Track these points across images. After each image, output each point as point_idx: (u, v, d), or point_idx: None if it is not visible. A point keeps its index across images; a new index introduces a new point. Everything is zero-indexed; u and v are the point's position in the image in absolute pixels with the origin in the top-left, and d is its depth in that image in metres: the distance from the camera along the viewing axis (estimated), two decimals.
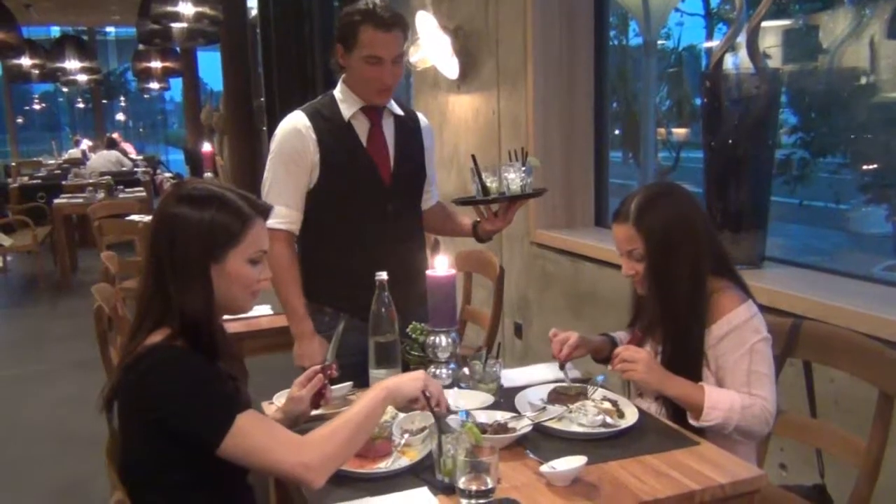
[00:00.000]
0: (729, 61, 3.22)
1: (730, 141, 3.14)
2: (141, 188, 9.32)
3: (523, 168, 2.40)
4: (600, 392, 2.04)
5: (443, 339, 2.10)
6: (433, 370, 2.12)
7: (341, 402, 2.08)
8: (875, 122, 4.31)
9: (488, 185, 2.40)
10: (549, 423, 1.85)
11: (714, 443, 1.86)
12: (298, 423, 1.93)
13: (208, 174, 6.67)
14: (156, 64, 11.81)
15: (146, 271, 1.62)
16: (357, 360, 2.07)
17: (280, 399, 2.07)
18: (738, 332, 1.93)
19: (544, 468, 1.63)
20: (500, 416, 1.89)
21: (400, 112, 2.59)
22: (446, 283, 2.09)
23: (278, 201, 2.38)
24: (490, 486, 1.54)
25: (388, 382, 1.70)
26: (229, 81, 9.64)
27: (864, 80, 4.40)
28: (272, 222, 2.63)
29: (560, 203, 4.37)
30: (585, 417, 1.87)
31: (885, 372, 1.99)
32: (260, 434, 1.51)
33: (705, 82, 3.20)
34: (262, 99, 8.92)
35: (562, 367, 2.13)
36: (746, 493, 1.64)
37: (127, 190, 9.04)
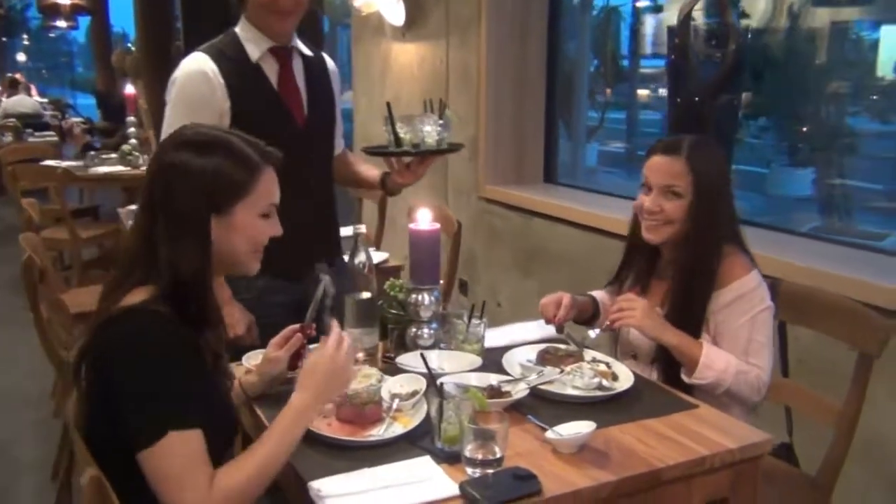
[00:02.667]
0: (696, 17, 3.17)
1: (696, 98, 3.09)
2: (51, 132, 8.74)
3: (440, 121, 2.23)
4: (590, 353, 1.97)
5: (425, 298, 1.98)
6: (414, 330, 2.00)
7: None
8: (807, 87, 4.35)
9: (402, 136, 2.23)
10: (544, 387, 1.77)
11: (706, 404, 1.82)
12: (274, 385, 1.79)
13: (131, 118, 6.23)
14: (64, 0, 11.05)
15: (136, 226, 1.44)
16: (277, 321, 1.91)
17: (250, 360, 1.92)
18: (744, 300, 1.89)
19: (550, 434, 1.55)
20: (494, 379, 1.79)
21: (308, 52, 2.40)
22: (429, 239, 1.96)
23: None
24: (499, 455, 1.44)
25: (298, 403, 1.46)
26: (144, 22, 9.08)
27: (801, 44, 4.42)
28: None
29: (510, 158, 4.27)
30: (581, 380, 1.79)
31: (865, 333, 1.99)
32: (180, 463, 1.29)
33: (673, 38, 3.14)
34: (180, 43, 8.45)
35: (560, 331, 2.05)
36: (753, 458, 1.60)
37: (37, 134, 8.48)
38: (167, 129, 2.23)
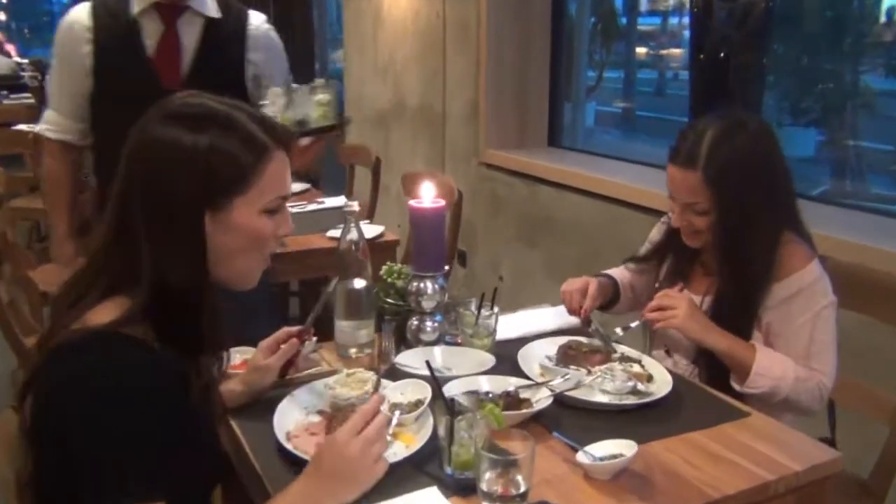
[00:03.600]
0: None
1: (721, 55, 2.80)
2: (28, 94, 8.35)
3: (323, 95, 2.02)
4: (619, 348, 1.71)
5: (428, 286, 1.70)
6: (415, 322, 1.73)
7: (308, 364, 1.68)
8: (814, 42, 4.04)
9: (282, 114, 1.96)
10: (569, 392, 1.51)
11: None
12: (261, 395, 1.53)
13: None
14: None
15: (109, 219, 1.13)
16: None
17: (238, 356, 1.66)
18: (805, 295, 1.62)
19: (583, 458, 1.29)
20: (511, 383, 1.53)
21: (215, 14, 2.12)
22: (434, 217, 1.68)
23: (51, 106, 2.20)
24: (523, 488, 1.18)
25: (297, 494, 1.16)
26: None
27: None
28: (41, 128, 2.20)
29: (512, 120, 3.98)
30: (612, 383, 1.54)
31: None
32: None
33: None
34: None
35: (587, 324, 1.78)
36: (821, 480, 1.35)
37: (12, 96, 8.09)
38: (49, 89, 2.20)
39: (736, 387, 1.62)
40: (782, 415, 1.67)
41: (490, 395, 1.48)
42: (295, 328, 1.56)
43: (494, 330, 1.74)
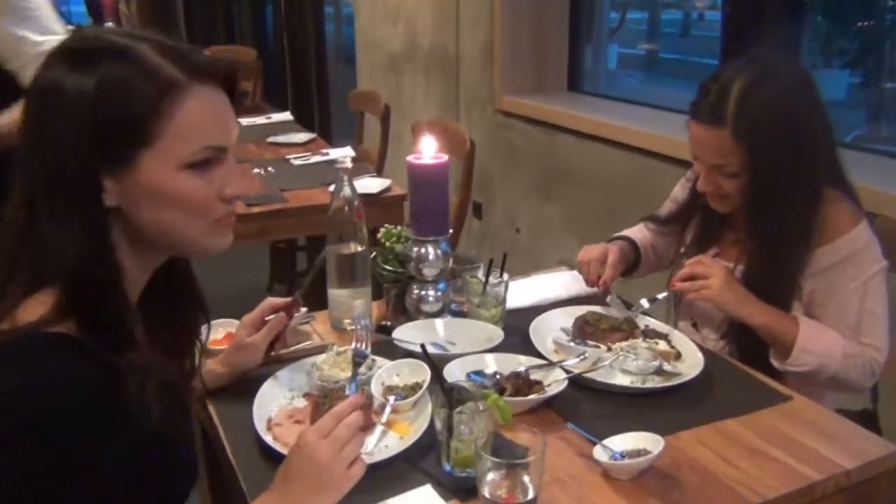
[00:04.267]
0: None
1: None
2: None
3: None
4: (643, 320, 1.54)
5: (430, 251, 1.53)
6: (416, 291, 1.56)
7: (298, 338, 1.53)
8: None
9: None
10: (589, 373, 1.34)
11: (794, 388, 1.40)
12: (246, 374, 1.37)
13: (109, 24, 5.65)
14: None
15: (16, 189, 0.92)
16: None
17: (221, 329, 1.50)
18: (852, 261, 1.43)
19: (600, 454, 1.13)
20: (521, 362, 1.36)
21: None
22: (435, 174, 1.50)
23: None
24: (531, 495, 1.02)
25: None
26: None
27: None
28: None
29: (530, 63, 3.74)
30: (635, 362, 1.36)
31: None
32: None
33: None
34: None
35: (605, 296, 1.60)
36: (874, 478, 1.18)
37: None
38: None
39: (777, 364, 1.44)
40: (824, 392, 1.50)
41: (497, 377, 1.32)
42: (281, 300, 1.40)
43: (504, 299, 1.57)
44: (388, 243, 1.62)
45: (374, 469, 1.11)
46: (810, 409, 1.30)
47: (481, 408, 1.11)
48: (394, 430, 1.22)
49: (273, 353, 1.40)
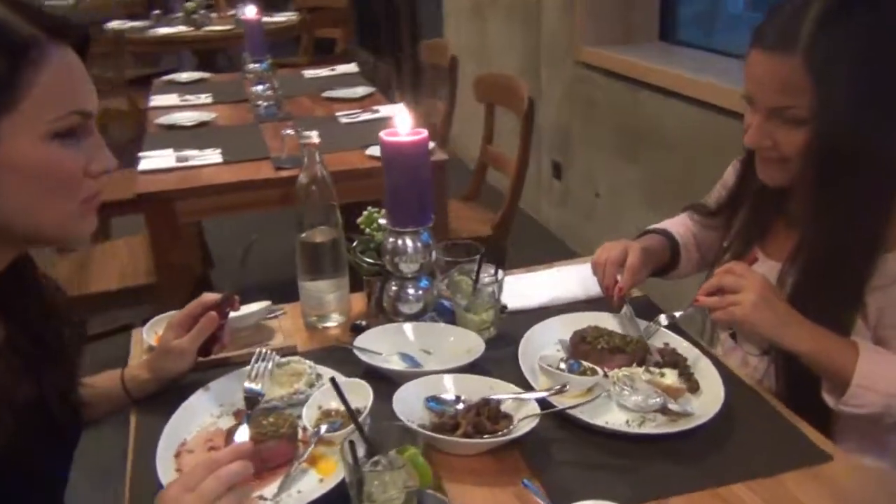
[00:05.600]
0: None
1: None
2: None
3: None
4: (662, 337, 1.26)
5: (408, 244, 1.30)
6: (394, 289, 1.34)
7: (252, 335, 1.35)
8: None
9: None
10: (572, 409, 1.08)
11: (851, 433, 1.11)
12: (176, 382, 1.20)
13: None
14: None
15: None
16: None
17: (153, 332, 1.34)
18: None
19: None
20: (492, 388, 1.12)
21: None
22: (414, 154, 1.25)
23: None
24: None
25: None
26: None
27: None
28: None
29: (614, 10, 3.37)
30: (631, 398, 1.10)
31: None
32: None
33: None
34: None
35: (618, 309, 1.33)
36: None
37: None
38: None
39: (830, 402, 1.14)
40: (891, 440, 1.19)
41: (457, 407, 1.09)
42: (213, 297, 1.21)
43: (497, 301, 1.33)
44: (367, 230, 1.40)
45: None
46: (856, 475, 1.01)
47: (397, 464, 0.88)
48: (316, 468, 1.01)
49: (207, 358, 1.22)
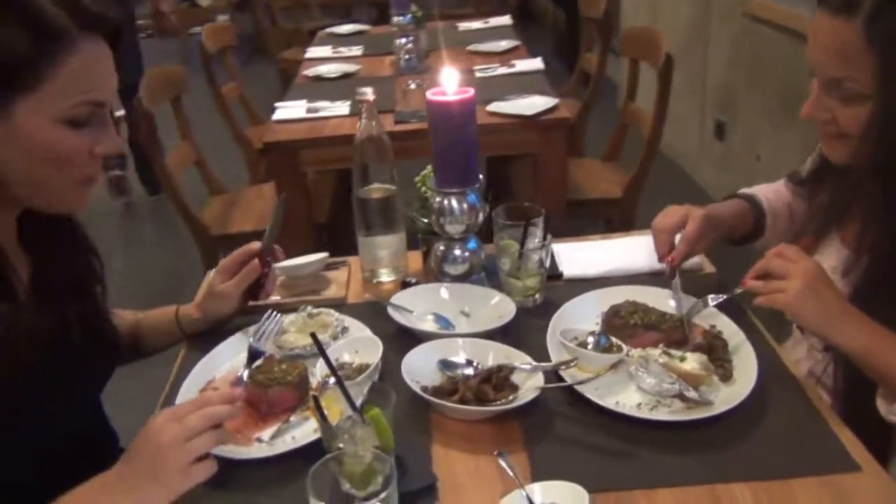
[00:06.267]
0: None
1: None
2: None
3: None
4: (709, 317, 1.17)
5: (454, 205, 1.29)
6: (441, 249, 1.34)
7: (308, 284, 1.40)
8: None
9: None
10: (580, 386, 1.04)
11: None
12: (226, 323, 1.28)
13: None
14: None
15: None
16: None
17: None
18: None
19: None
20: (508, 356, 1.10)
21: None
22: (459, 114, 1.23)
23: None
24: None
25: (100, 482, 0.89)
26: None
27: None
28: None
29: None
30: (647, 380, 1.04)
31: None
32: None
33: None
34: None
35: (671, 277, 1.24)
36: None
37: None
38: None
39: (882, 409, 1.01)
40: None
41: (466, 372, 1.08)
42: (256, 246, 1.26)
43: (544, 268, 1.29)
44: (423, 188, 1.41)
45: (263, 466, 0.98)
46: (882, 492, 0.89)
47: (364, 421, 0.90)
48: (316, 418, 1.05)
49: (259, 303, 1.28)
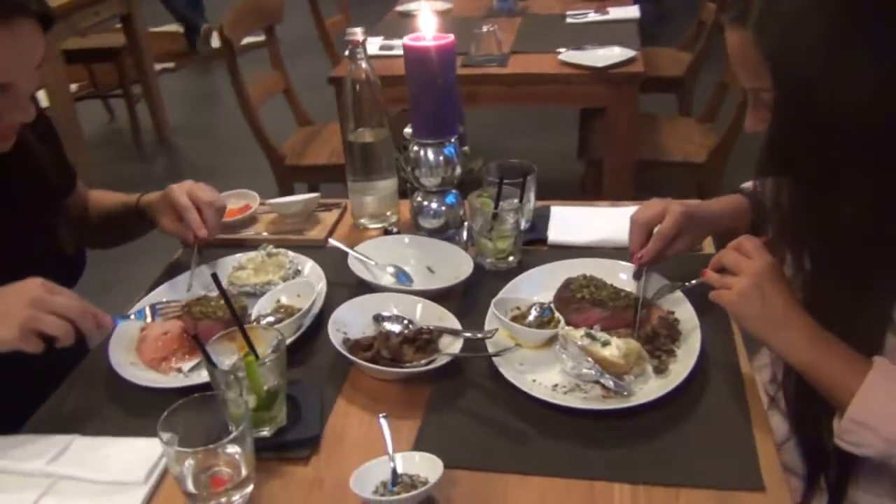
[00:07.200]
0: None
1: None
2: None
3: None
4: (673, 303, 1.08)
5: (429, 156, 1.24)
6: (419, 200, 1.30)
7: (296, 222, 1.41)
8: None
9: None
10: (501, 366, 0.99)
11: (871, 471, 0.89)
12: None
13: None
14: None
15: None
16: None
17: (232, 200, 1.45)
18: None
19: (355, 480, 0.83)
20: (440, 318, 1.07)
21: None
22: (437, 61, 1.17)
23: None
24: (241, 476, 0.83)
25: None
26: None
27: None
28: None
29: None
30: (568, 362, 0.97)
31: None
32: None
33: None
34: None
35: (637, 277, 1.15)
36: None
37: None
38: None
39: (835, 430, 0.90)
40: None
41: (392, 328, 1.06)
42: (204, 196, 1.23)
43: (518, 231, 1.22)
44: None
45: (175, 394, 1.00)
46: None
47: (236, 367, 0.90)
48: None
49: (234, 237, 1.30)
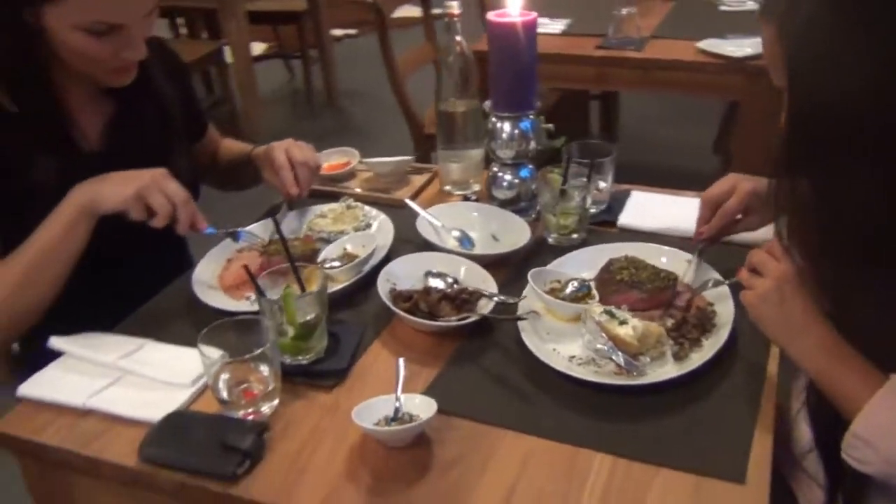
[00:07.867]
0: None
1: None
2: None
3: None
4: (717, 297, 1.08)
5: (506, 129, 1.29)
6: (494, 170, 1.36)
7: (388, 181, 1.50)
8: None
9: None
10: (526, 335, 1.04)
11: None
12: None
13: None
14: None
15: None
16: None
17: (333, 157, 1.57)
18: None
19: (357, 413, 0.91)
20: (486, 281, 1.13)
21: None
22: (518, 36, 1.22)
23: None
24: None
25: (80, 194, 1.10)
26: None
27: None
28: None
29: None
30: (586, 336, 1.01)
31: None
32: None
33: None
34: None
35: (700, 252, 1.15)
36: None
37: None
38: None
39: (843, 443, 0.88)
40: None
41: (442, 287, 1.13)
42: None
43: (584, 209, 1.25)
44: None
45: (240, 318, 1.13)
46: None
47: (278, 299, 1.00)
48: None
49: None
